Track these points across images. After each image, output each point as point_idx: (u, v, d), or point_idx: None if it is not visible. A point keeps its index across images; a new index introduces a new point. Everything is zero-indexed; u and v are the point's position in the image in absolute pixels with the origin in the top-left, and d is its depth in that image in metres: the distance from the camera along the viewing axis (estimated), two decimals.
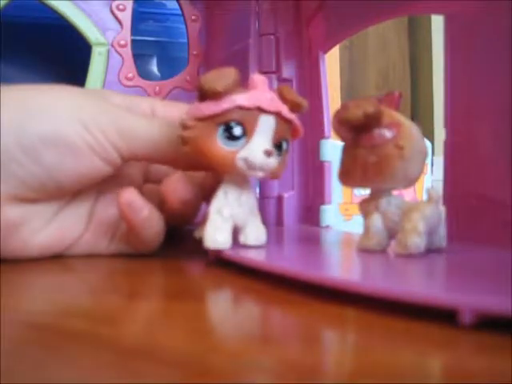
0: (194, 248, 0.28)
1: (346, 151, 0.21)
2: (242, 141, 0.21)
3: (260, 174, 0.21)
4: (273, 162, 0.21)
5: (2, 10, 0.37)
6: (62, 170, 0.23)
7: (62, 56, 0.45)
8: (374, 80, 2.25)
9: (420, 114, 2.34)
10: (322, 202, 0.33)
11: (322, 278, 0.17)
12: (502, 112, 0.21)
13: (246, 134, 0.21)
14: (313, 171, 0.34)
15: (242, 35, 0.35)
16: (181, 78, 0.41)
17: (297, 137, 0.23)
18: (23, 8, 0.43)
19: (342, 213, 0.44)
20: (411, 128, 0.21)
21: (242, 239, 0.22)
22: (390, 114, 0.21)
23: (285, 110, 0.22)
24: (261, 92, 0.21)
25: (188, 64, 0.42)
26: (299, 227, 0.33)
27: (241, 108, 0.20)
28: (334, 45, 0.33)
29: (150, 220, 0.23)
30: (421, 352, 0.12)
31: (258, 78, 0.22)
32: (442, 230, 0.21)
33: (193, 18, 0.41)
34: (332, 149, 0.33)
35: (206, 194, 0.27)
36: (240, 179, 0.22)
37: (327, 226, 0.32)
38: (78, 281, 0.22)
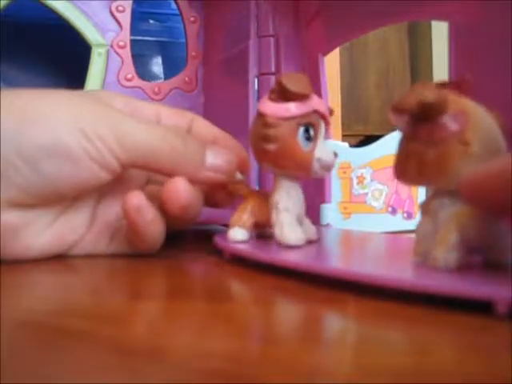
0: (196, 248, 0.28)
1: (401, 144, 0.18)
2: (312, 143, 0.22)
3: (325, 174, 0.23)
4: (335, 163, 0.23)
5: (2, 10, 0.37)
6: (61, 178, 0.23)
7: (61, 56, 0.45)
8: (374, 80, 2.25)
9: None
10: (322, 201, 0.33)
11: (375, 277, 0.17)
12: (506, 115, 0.21)
13: (315, 136, 0.22)
14: None
15: (241, 37, 0.35)
16: (180, 78, 0.41)
17: None
18: (23, 8, 0.43)
19: (341, 211, 0.44)
20: (483, 119, 0.17)
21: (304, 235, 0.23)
22: (457, 102, 0.17)
23: (328, 117, 0.23)
24: (318, 99, 0.23)
25: (187, 65, 0.42)
26: None
27: (315, 112, 0.22)
28: (333, 48, 0.33)
29: (154, 223, 0.23)
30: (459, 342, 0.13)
31: None
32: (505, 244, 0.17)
33: (191, 19, 0.42)
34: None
35: (209, 198, 0.27)
36: (296, 179, 0.23)
37: (327, 225, 0.33)
38: (79, 280, 0.22)
